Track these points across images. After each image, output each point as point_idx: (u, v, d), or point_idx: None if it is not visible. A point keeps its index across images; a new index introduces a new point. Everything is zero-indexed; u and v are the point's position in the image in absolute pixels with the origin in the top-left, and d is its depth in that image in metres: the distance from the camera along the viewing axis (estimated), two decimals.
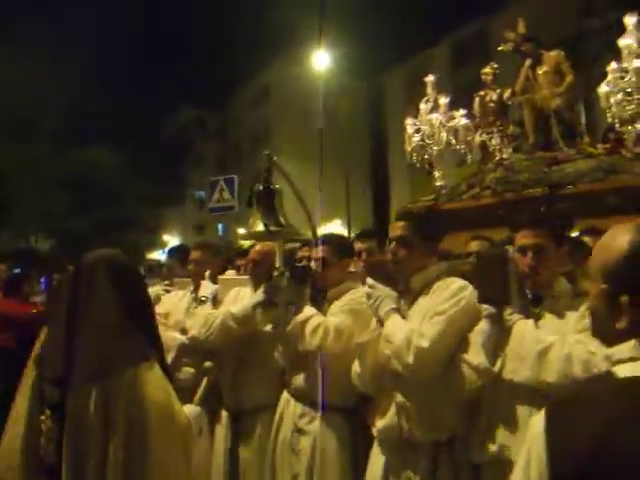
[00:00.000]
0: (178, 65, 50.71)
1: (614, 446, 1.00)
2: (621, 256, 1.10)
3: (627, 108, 6.07)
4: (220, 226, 21.20)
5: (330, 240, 3.00)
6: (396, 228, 2.51)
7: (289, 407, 2.89)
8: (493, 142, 8.32)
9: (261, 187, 2.83)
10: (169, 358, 3.37)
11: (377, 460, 2.44)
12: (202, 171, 34.15)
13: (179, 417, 1.90)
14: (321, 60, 17.96)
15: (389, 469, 2.36)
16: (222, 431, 3.20)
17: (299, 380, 2.85)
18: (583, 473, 1.02)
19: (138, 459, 1.81)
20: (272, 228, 2.81)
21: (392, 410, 2.35)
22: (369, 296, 2.42)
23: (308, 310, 2.75)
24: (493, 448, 2.14)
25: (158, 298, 3.67)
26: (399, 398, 2.32)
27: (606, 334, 1.16)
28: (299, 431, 2.78)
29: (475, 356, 2.16)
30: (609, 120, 6.22)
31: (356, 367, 2.52)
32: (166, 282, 4.01)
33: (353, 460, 2.70)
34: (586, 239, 3.10)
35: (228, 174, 8.72)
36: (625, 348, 1.10)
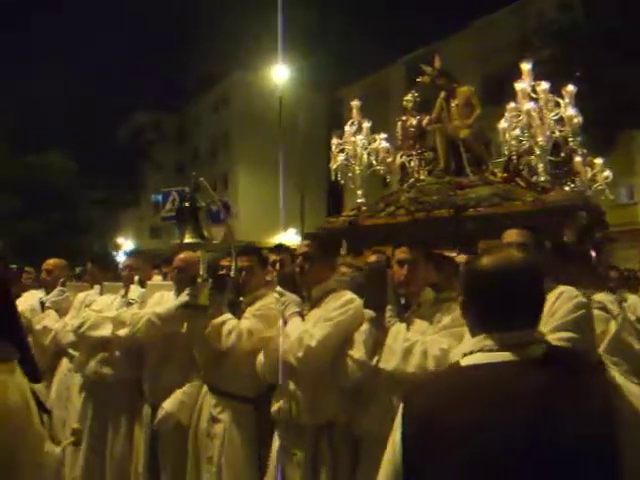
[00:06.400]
0: (132, 67, 48.98)
1: (439, 425, 1.20)
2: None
3: (522, 143, 6.91)
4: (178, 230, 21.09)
5: (253, 251, 3.48)
6: (302, 246, 3.07)
7: (206, 398, 3.28)
8: (412, 164, 9.03)
9: (187, 204, 3.26)
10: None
11: (275, 439, 2.91)
12: (160, 174, 33.53)
13: (32, 422, 1.89)
14: (280, 72, 18.38)
15: (281, 446, 2.83)
16: (141, 428, 3.58)
17: (213, 374, 3.25)
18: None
19: None
20: (195, 240, 3.24)
21: (285, 396, 2.81)
22: (277, 301, 2.93)
23: (224, 315, 3.15)
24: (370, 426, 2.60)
25: (90, 302, 4.01)
26: (291, 386, 2.79)
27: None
28: (213, 419, 3.18)
29: (357, 351, 2.65)
30: (505, 153, 7.03)
31: (261, 358, 2.98)
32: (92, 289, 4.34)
33: (258, 444, 3.10)
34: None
35: (186, 179, 9.07)
36: (470, 343, 1.35)
